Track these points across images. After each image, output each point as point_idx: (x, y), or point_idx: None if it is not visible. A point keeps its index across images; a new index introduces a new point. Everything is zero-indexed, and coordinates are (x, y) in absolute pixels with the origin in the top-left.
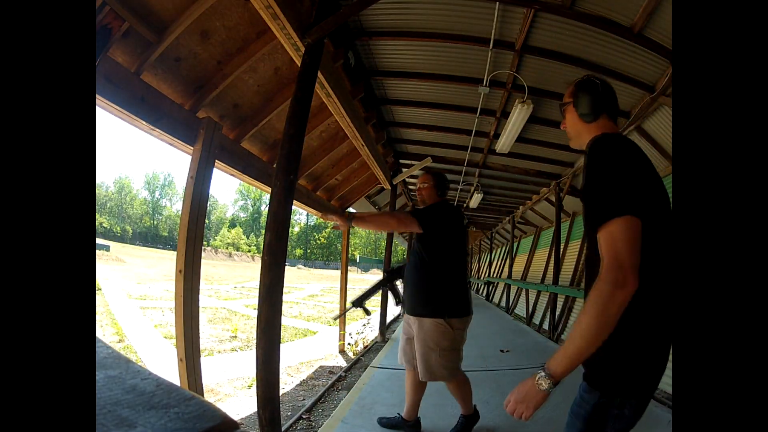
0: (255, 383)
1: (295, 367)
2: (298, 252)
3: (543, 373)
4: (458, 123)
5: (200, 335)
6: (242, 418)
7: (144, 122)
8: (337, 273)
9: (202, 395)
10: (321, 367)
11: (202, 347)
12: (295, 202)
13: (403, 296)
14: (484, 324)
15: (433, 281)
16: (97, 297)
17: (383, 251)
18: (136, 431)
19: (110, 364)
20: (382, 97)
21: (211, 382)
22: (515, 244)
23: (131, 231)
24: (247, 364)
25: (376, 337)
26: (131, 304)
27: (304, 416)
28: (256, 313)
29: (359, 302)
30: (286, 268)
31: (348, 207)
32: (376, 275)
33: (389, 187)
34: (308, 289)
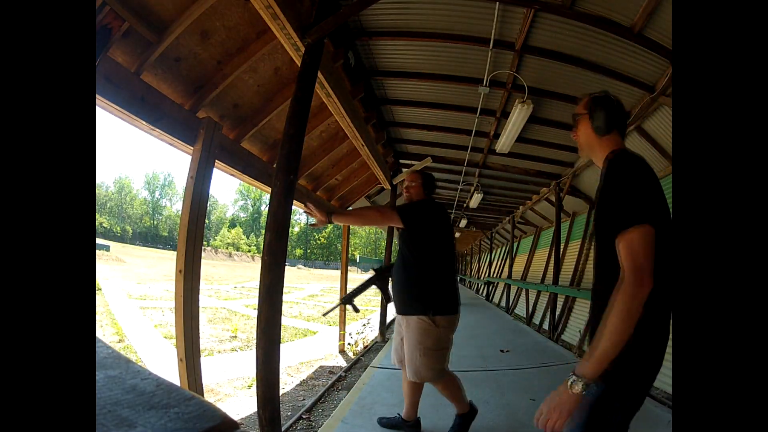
0: (255, 383)
1: (295, 367)
2: (298, 252)
3: (574, 377)
4: (458, 123)
5: (200, 335)
6: (242, 418)
7: (144, 122)
8: (337, 273)
9: (202, 395)
10: (321, 367)
11: (202, 347)
12: (295, 202)
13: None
14: (484, 324)
15: (418, 279)
16: (97, 297)
17: (383, 251)
18: (136, 431)
19: (110, 364)
20: (382, 97)
21: (211, 382)
22: (515, 244)
23: (131, 231)
24: (247, 364)
25: (376, 337)
26: (131, 304)
27: (304, 416)
28: (256, 313)
29: (348, 299)
30: (286, 268)
31: (348, 207)
32: None
33: (389, 187)
34: (308, 289)
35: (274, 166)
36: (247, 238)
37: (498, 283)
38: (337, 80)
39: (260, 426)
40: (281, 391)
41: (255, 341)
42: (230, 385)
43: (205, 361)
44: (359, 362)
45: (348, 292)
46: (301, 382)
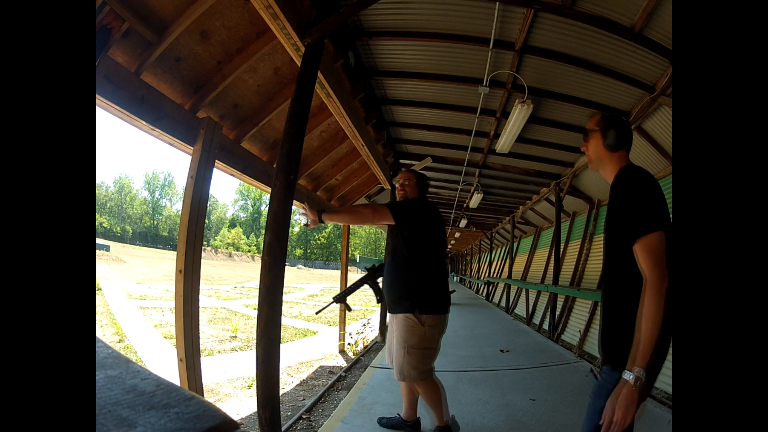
0: (255, 383)
1: (295, 367)
2: (298, 252)
3: (632, 374)
4: (458, 123)
5: (200, 335)
6: (242, 418)
7: (144, 122)
8: (337, 273)
9: (202, 395)
10: (321, 367)
11: (202, 347)
12: (295, 202)
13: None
14: (484, 324)
15: (408, 277)
16: (97, 297)
17: (384, 251)
18: (136, 431)
19: (110, 364)
20: (382, 97)
21: (211, 382)
22: (515, 244)
23: (131, 231)
24: (247, 364)
25: (376, 337)
26: (131, 304)
27: (304, 416)
28: (256, 313)
29: (340, 298)
30: (286, 268)
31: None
32: None
33: (389, 187)
34: (308, 289)
35: (274, 166)
36: (247, 238)
37: (498, 283)
38: (337, 80)
39: (260, 426)
40: (281, 391)
41: (255, 341)
42: (230, 385)
43: (205, 361)
44: (359, 362)
45: (341, 290)
46: (301, 382)
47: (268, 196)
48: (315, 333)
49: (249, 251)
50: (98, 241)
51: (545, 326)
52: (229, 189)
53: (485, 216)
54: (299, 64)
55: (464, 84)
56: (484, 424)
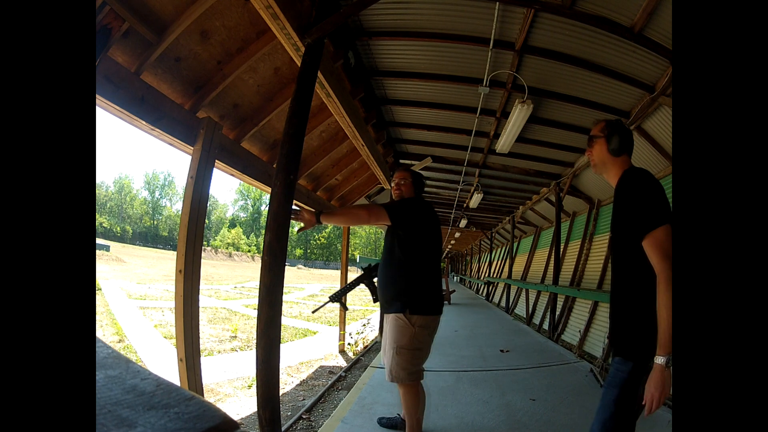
0: (255, 383)
1: (295, 367)
2: (298, 252)
3: (663, 359)
4: (458, 123)
5: (200, 335)
6: (242, 418)
7: (144, 122)
8: (337, 273)
9: (202, 395)
10: (321, 367)
11: (202, 347)
12: (295, 202)
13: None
14: (484, 324)
15: (400, 277)
16: (97, 297)
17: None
18: (136, 431)
19: (110, 364)
20: (382, 97)
21: (211, 382)
22: (515, 244)
23: (131, 231)
24: (247, 364)
25: (376, 337)
26: (131, 304)
27: (304, 416)
28: (256, 313)
29: (337, 297)
30: (286, 268)
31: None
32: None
33: (389, 187)
34: (308, 289)
35: (274, 166)
36: (247, 238)
37: (498, 283)
38: (337, 80)
39: (260, 426)
40: (281, 391)
41: (255, 341)
42: (230, 385)
43: (205, 361)
44: (359, 362)
45: (337, 290)
46: (301, 382)
47: (268, 196)
48: (315, 333)
49: (249, 251)
50: (98, 241)
51: (545, 326)
52: (229, 189)
53: (485, 216)
54: (299, 64)
55: (464, 84)
56: (484, 424)
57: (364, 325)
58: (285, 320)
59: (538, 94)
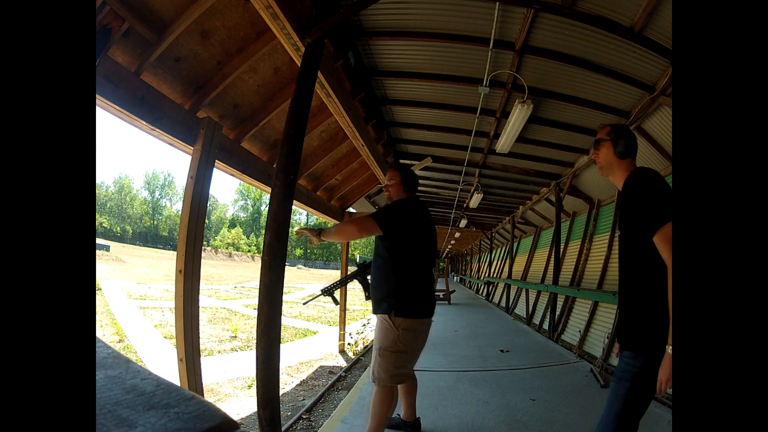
0: (255, 383)
1: (295, 367)
2: (298, 252)
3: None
4: (458, 123)
5: (200, 335)
6: (242, 418)
7: (144, 122)
8: (337, 273)
9: (202, 395)
10: (321, 367)
11: (202, 347)
12: (295, 202)
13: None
14: (484, 324)
15: (387, 278)
16: (97, 297)
17: None
18: (136, 431)
19: (110, 364)
20: (382, 97)
21: (211, 382)
22: (515, 244)
23: (131, 231)
24: (247, 364)
25: None
26: (131, 304)
27: (304, 416)
28: (256, 313)
29: (328, 291)
30: (286, 268)
31: (348, 207)
32: None
33: None
34: (308, 289)
35: (274, 166)
36: (247, 238)
37: (498, 283)
38: (337, 80)
39: (260, 426)
40: (281, 391)
41: (255, 341)
42: (230, 385)
43: (205, 361)
44: (359, 362)
45: (330, 284)
46: (301, 382)
47: (268, 196)
48: (315, 333)
49: (249, 251)
50: (98, 241)
51: (545, 326)
52: (229, 189)
53: (485, 216)
54: (299, 64)
55: (464, 84)
56: (484, 424)
57: (364, 325)
58: (285, 320)
59: (538, 94)
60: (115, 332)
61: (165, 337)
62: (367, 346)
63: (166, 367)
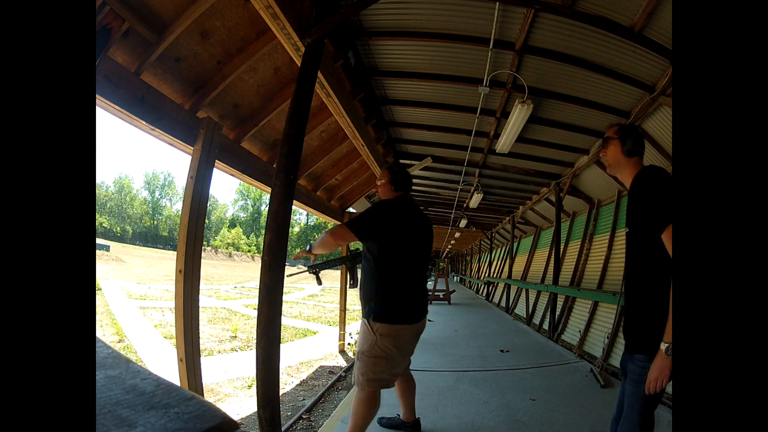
0: (255, 383)
1: (295, 367)
2: (298, 252)
3: (665, 346)
4: (458, 123)
5: (200, 335)
6: (242, 418)
7: (144, 122)
8: (338, 273)
9: (202, 395)
10: (321, 367)
11: (202, 347)
12: (295, 202)
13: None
14: (484, 324)
15: (369, 281)
16: (97, 297)
17: None
18: (136, 431)
19: (110, 364)
20: (382, 97)
21: (211, 382)
22: (515, 244)
23: (131, 231)
24: (247, 364)
25: None
26: (131, 304)
27: (304, 416)
28: (256, 313)
29: (314, 268)
30: (286, 268)
31: (348, 207)
32: None
33: None
34: (308, 289)
35: (274, 166)
36: (247, 238)
37: (498, 283)
38: (337, 80)
39: (260, 426)
40: (281, 391)
41: (255, 341)
42: (230, 385)
43: (205, 361)
44: None
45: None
46: (301, 382)
47: (268, 196)
48: (315, 333)
49: (249, 251)
50: (98, 241)
51: (545, 326)
52: (229, 189)
53: (485, 216)
54: (299, 64)
55: (464, 84)
56: (484, 424)
57: None
58: (285, 320)
59: (538, 94)
60: (115, 332)
61: (165, 337)
62: None
63: (166, 367)
